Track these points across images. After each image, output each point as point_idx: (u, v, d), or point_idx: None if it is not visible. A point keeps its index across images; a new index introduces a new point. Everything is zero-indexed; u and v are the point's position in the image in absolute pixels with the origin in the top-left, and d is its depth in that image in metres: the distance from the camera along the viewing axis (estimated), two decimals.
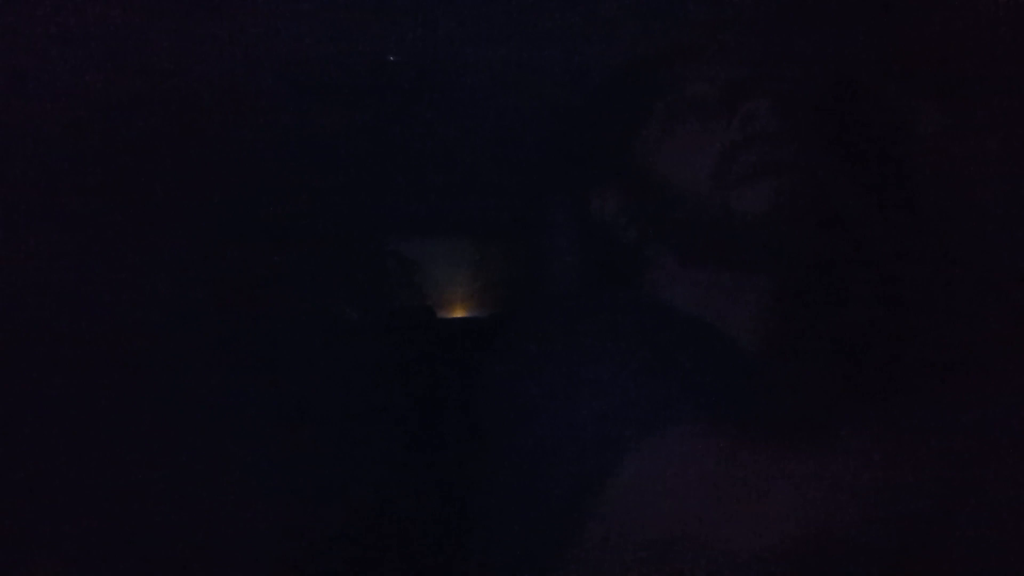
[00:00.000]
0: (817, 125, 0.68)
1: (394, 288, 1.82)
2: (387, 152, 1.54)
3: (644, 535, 0.48)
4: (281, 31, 1.14)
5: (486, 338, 0.63)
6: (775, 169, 0.62)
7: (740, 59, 0.67)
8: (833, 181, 0.65)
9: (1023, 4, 0.69)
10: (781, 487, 0.46)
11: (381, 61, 1.25)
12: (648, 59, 0.69)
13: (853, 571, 0.46)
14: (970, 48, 0.74)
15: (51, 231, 1.24)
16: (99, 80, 1.16)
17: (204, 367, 1.37)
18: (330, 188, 1.66)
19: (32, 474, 1.11)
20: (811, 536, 0.46)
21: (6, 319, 1.15)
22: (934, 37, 0.80)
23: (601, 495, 0.48)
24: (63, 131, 1.20)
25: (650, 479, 0.48)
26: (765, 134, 0.63)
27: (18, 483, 1.09)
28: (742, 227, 0.61)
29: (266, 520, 1.26)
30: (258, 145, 1.51)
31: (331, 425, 1.53)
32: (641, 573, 0.47)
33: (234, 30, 1.13)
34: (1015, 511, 0.45)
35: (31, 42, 1.05)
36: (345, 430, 1.48)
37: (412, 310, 2.05)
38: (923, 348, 0.64)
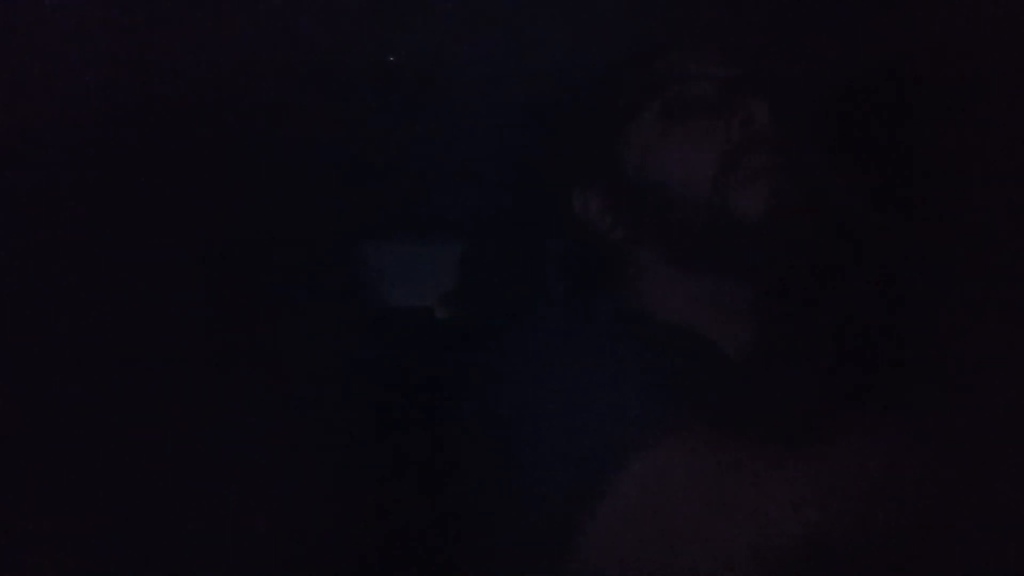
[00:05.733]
0: (816, 126, 0.67)
1: (394, 288, 1.82)
2: (383, 152, 1.54)
3: (643, 537, 0.47)
4: (280, 31, 1.14)
5: (486, 340, 0.63)
6: (773, 172, 0.61)
7: (738, 56, 0.65)
8: (831, 184, 0.64)
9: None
10: (780, 488, 0.46)
11: (382, 61, 1.24)
12: (643, 54, 0.67)
13: (853, 571, 0.46)
14: (971, 46, 0.73)
15: (51, 231, 1.24)
16: (99, 80, 1.16)
17: (202, 367, 1.37)
18: (327, 188, 1.66)
19: (31, 474, 1.11)
20: (811, 536, 0.46)
21: (6, 319, 1.16)
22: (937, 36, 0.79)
23: (598, 498, 0.48)
24: (63, 131, 1.20)
25: (648, 481, 0.48)
26: (763, 136, 0.62)
27: (18, 483, 1.09)
28: (736, 231, 0.60)
29: (265, 520, 1.26)
30: (256, 145, 1.51)
31: (329, 425, 1.53)
32: (640, 574, 0.47)
33: (233, 30, 1.13)
34: (1015, 511, 0.45)
35: (31, 42, 1.05)
36: (343, 430, 1.48)
37: (412, 310, 2.05)
38: (922, 348, 0.64)
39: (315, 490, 1.38)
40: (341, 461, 1.45)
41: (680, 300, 0.62)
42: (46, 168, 1.26)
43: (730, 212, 0.60)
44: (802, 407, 0.58)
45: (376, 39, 1.19)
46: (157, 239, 1.45)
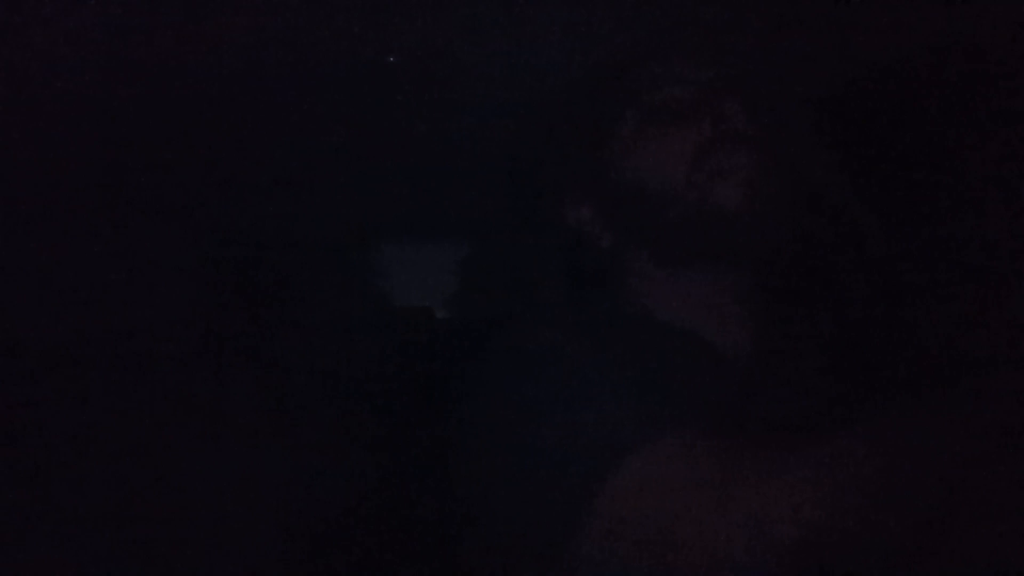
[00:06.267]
0: (791, 121, 0.69)
1: (394, 288, 1.82)
2: (387, 152, 1.54)
3: (642, 537, 0.47)
4: (281, 32, 1.14)
5: (486, 341, 0.63)
6: (746, 163, 0.62)
7: (711, 61, 0.67)
8: (806, 173, 0.66)
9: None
10: (780, 487, 0.46)
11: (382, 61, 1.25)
12: (618, 63, 0.69)
13: (853, 571, 0.46)
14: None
15: (51, 231, 1.24)
16: (99, 80, 1.16)
17: (203, 367, 1.37)
18: (327, 188, 1.66)
19: (32, 474, 1.11)
20: (811, 536, 0.46)
21: (6, 319, 1.16)
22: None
23: (599, 497, 0.48)
24: (63, 131, 1.20)
25: (648, 481, 0.48)
26: (736, 132, 0.63)
27: (18, 483, 1.09)
28: (716, 223, 0.61)
29: (265, 520, 1.26)
30: (257, 145, 1.51)
31: (330, 425, 1.53)
32: (640, 574, 0.47)
33: (233, 31, 1.13)
34: (1015, 511, 0.45)
35: (31, 42, 1.05)
36: (342, 429, 1.48)
37: (412, 310, 2.05)
38: (922, 348, 0.64)
39: (314, 489, 1.38)
40: (340, 461, 1.45)
41: (675, 301, 0.63)
42: (46, 168, 1.27)
43: (713, 208, 0.61)
44: (800, 407, 0.58)
45: (376, 40, 1.19)
46: (159, 240, 1.45)
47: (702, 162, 0.63)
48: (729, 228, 0.61)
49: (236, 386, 1.35)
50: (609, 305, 0.65)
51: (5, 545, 1.03)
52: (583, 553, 0.48)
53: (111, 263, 1.35)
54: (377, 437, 1.43)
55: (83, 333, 1.26)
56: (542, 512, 0.50)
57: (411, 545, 1.25)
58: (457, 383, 0.67)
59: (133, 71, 1.18)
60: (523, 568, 0.51)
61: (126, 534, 1.16)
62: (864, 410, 0.52)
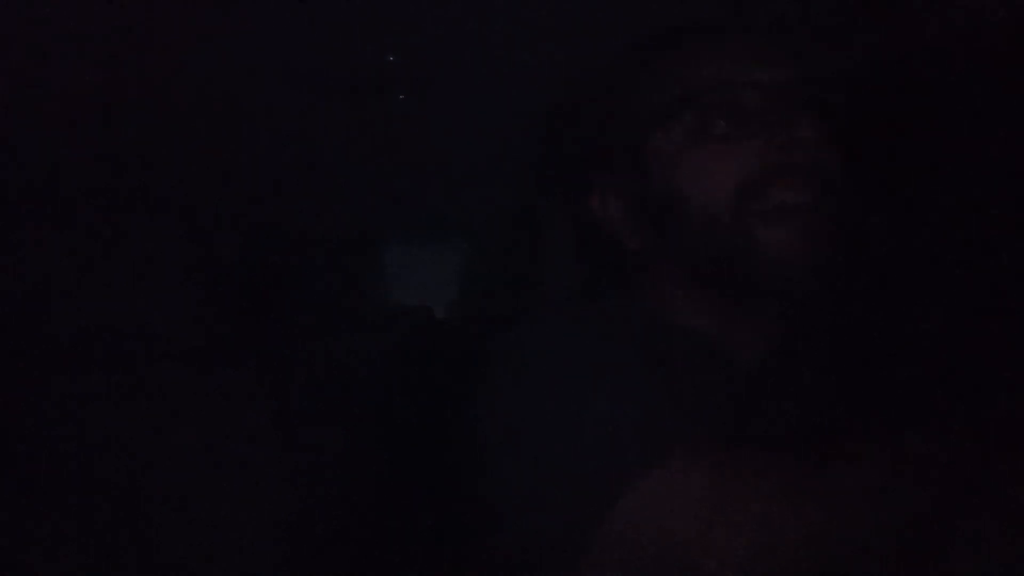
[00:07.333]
0: (868, 147, 0.62)
1: (394, 288, 1.82)
2: (387, 152, 1.54)
3: (644, 539, 0.47)
4: (281, 32, 1.14)
5: (486, 340, 0.63)
6: (806, 213, 0.55)
7: (784, 60, 0.58)
8: (867, 229, 0.60)
9: None
10: (783, 491, 0.46)
11: (382, 61, 1.24)
12: (683, 55, 0.60)
13: (853, 573, 0.46)
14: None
15: (52, 231, 1.24)
16: (99, 80, 1.16)
17: (204, 367, 1.37)
18: (327, 188, 1.66)
19: (33, 474, 1.11)
20: (814, 539, 0.46)
21: (6, 319, 1.16)
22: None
23: (600, 500, 0.48)
24: (63, 131, 1.20)
25: (650, 483, 0.48)
26: (802, 165, 0.55)
27: (19, 483, 1.09)
28: (756, 261, 0.55)
29: (265, 519, 1.26)
30: (257, 145, 1.51)
31: (330, 424, 1.53)
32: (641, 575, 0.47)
33: (234, 31, 1.13)
34: (1016, 514, 0.45)
35: (31, 42, 1.05)
36: (344, 429, 1.48)
37: (412, 310, 2.05)
38: (924, 355, 0.64)
39: (314, 488, 1.38)
40: (341, 461, 1.45)
41: (686, 307, 0.61)
42: (46, 168, 1.27)
43: (752, 247, 0.55)
44: (804, 411, 0.58)
45: (376, 40, 1.19)
46: (159, 240, 1.45)
47: (754, 196, 0.56)
48: (765, 268, 0.55)
49: (236, 386, 1.35)
50: (615, 307, 0.63)
51: (5, 545, 1.03)
52: (585, 555, 0.48)
53: (111, 263, 1.35)
54: (377, 437, 1.43)
55: (84, 333, 1.26)
56: (543, 514, 0.50)
57: (411, 547, 1.25)
58: (457, 383, 0.66)
59: (133, 71, 1.18)
60: (524, 569, 0.51)
61: (126, 533, 1.16)
62: (866, 414, 0.52)
